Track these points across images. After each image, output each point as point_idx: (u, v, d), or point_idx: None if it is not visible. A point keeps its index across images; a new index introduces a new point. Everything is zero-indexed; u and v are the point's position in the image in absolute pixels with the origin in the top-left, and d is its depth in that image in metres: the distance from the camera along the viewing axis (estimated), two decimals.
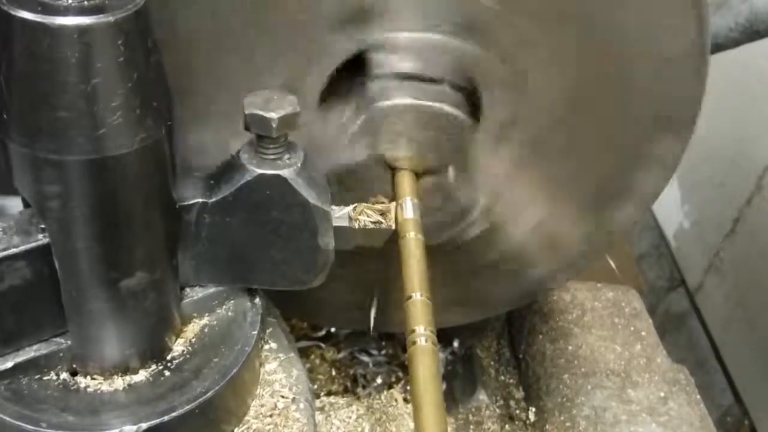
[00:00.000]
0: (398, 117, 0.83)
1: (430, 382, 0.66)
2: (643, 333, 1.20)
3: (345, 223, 0.73)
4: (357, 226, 0.74)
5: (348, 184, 0.86)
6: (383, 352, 1.28)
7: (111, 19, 0.54)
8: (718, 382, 1.87)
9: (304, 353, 1.26)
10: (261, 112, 0.65)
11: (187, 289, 0.75)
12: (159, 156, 0.62)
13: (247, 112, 0.66)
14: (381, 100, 0.82)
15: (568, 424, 1.07)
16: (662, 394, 1.09)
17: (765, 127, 1.74)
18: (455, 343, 1.29)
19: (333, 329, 1.28)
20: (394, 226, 0.76)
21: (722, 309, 1.90)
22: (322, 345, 1.28)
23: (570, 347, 1.16)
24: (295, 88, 0.76)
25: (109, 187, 0.59)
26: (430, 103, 0.82)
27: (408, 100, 0.82)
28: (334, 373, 1.26)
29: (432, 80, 0.82)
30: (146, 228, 0.64)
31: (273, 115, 0.65)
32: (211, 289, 0.75)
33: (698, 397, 1.10)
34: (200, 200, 0.69)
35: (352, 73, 0.82)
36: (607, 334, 1.19)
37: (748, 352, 1.79)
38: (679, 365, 1.15)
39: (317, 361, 1.27)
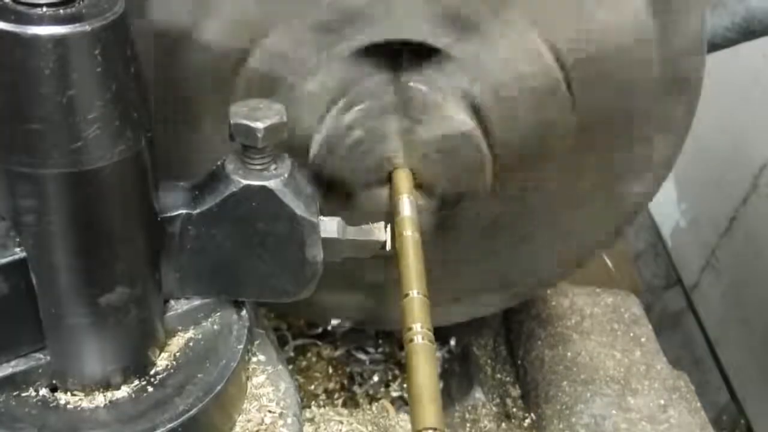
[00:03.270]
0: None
1: (428, 380, 0.65)
2: (642, 339, 1.18)
3: (334, 235, 0.71)
4: (346, 238, 0.72)
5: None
6: (380, 350, 1.27)
7: (88, 28, 0.52)
8: (714, 380, 1.87)
9: (301, 351, 1.26)
10: (247, 122, 0.63)
11: (172, 302, 0.72)
12: (139, 168, 0.59)
13: (232, 121, 0.63)
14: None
15: None
16: (662, 402, 1.08)
17: (761, 126, 1.73)
18: (452, 342, 1.28)
19: (330, 327, 1.27)
20: (383, 239, 0.74)
21: (718, 307, 1.89)
22: (319, 343, 1.28)
23: (569, 354, 1.15)
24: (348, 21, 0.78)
25: (86, 201, 0.57)
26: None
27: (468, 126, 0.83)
28: (330, 370, 1.25)
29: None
30: (127, 242, 0.62)
31: (259, 124, 0.63)
32: (197, 302, 0.73)
33: (699, 404, 1.09)
34: (184, 211, 0.67)
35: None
36: (606, 340, 1.17)
37: (744, 350, 1.78)
38: (680, 372, 1.14)
39: (314, 359, 1.26)
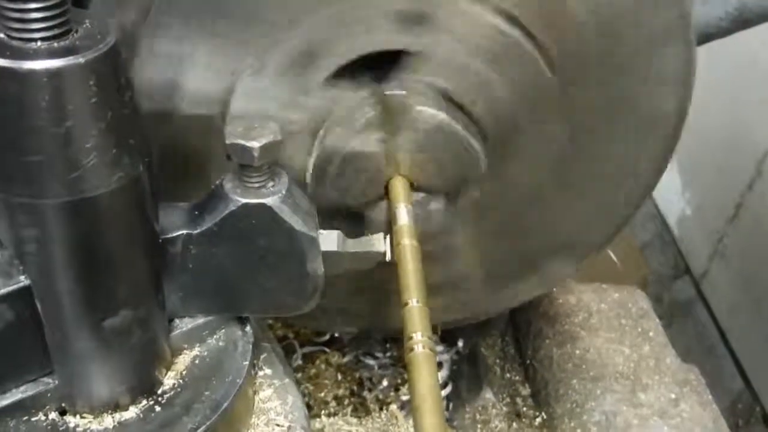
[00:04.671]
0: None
1: (429, 388, 0.66)
2: (651, 333, 1.18)
3: (333, 248, 0.72)
4: (346, 251, 0.73)
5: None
6: (388, 354, 1.27)
7: (81, 60, 0.52)
8: (727, 368, 1.87)
9: (309, 359, 1.26)
10: (242, 141, 0.64)
11: (176, 320, 0.73)
12: (138, 193, 0.60)
13: (228, 141, 0.64)
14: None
15: (579, 430, 1.05)
16: (673, 396, 1.08)
17: (762, 111, 1.73)
18: (460, 343, 1.28)
19: (337, 334, 1.28)
20: (383, 249, 0.74)
21: (728, 294, 1.89)
22: (327, 350, 1.28)
23: (577, 351, 1.15)
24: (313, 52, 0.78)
25: (87, 228, 0.58)
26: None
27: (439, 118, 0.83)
28: (339, 377, 1.25)
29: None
30: (128, 265, 0.63)
31: (254, 144, 0.64)
32: (201, 319, 0.74)
33: (710, 397, 1.09)
34: (185, 232, 0.68)
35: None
36: (614, 336, 1.17)
37: (755, 336, 1.78)
38: (689, 365, 1.14)
39: (323, 366, 1.26)
